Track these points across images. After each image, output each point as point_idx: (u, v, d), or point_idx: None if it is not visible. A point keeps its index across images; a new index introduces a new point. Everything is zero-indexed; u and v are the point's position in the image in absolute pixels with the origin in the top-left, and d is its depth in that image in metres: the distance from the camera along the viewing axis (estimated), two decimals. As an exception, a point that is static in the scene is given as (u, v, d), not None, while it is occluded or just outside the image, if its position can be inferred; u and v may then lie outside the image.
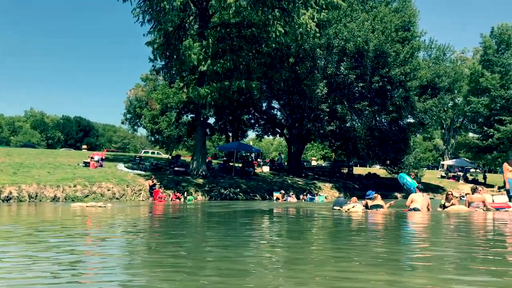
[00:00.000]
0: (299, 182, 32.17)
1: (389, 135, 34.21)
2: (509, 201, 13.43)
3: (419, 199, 12.06)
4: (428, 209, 12.17)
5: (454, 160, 52.59)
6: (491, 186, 39.88)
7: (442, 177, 47.87)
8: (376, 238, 6.48)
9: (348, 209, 11.62)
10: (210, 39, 24.44)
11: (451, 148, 59.27)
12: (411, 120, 37.69)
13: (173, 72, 29.86)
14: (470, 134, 55.16)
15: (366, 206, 12.53)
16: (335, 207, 12.70)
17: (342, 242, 5.88)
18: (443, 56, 37.91)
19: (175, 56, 26.15)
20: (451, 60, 38.53)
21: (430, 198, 25.36)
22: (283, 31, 23.35)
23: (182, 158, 33.76)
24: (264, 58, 27.39)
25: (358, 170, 47.03)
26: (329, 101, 31.98)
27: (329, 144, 37.97)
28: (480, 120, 45.50)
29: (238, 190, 26.26)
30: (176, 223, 9.47)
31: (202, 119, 26.77)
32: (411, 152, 34.74)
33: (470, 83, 44.44)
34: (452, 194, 13.85)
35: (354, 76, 29.90)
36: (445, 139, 62.31)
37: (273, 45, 25.79)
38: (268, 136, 47.42)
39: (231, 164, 31.37)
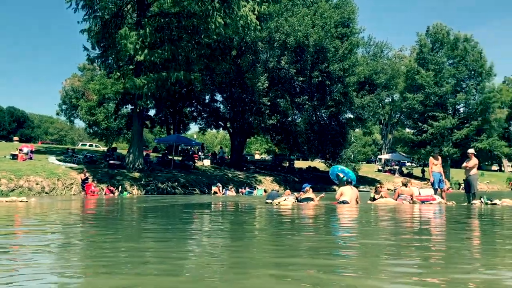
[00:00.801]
0: (240, 176, 32.04)
1: (328, 130, 34.78)
2: (435, 194, 13.89)
3: (348, 192, 12.18)
4: (357, 202, 12.32)
5: (390, 154, 54.56)
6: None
7: (379, 170, 49.50)
8: (302, 229, 6.36)
9: (279, 202, 11.53)
10: (148, 29, 23.63)
11: (389, 143, 61.46)
12: (350, 115, 38.56)
13: (110, 61, 28.71)
14: (407, 130, 57.40)
15: (298, 199, 12.51)
16: (267, 200, 12.59)
17: (272, 235, 5.69)
18: (380, 53, 39.02)
19: (111, 45, 25.15)
20: (388, 57, 39.80)
21: (366, 191, 26.16)
22: (223, 22, 23.02)
23: (119, 151, 32.67)
24: (204, 49, 26.88)
25: (299, 164, 47.58)
26: (270, 94, 32.01)
27: (270, 137, 38.10)
28: (415, 116, 47.33)
29: (176, 184, 25.73)
30: (108, 218, 8.95)
31: (138, 110, 25.91)
32: (349, 146, 35.51)
33: (406, 80, 46.10)
34: (381, 187, 14.15)
35: (295, 71, 30.09)
36: (383, 134, 64.55)
37: (214, 37, 25.37)
38: (211, 129, 46.93)
39: (170, 157, 30.69)
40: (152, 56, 23.73)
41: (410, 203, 12.25)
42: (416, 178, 45.57)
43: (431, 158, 14.81)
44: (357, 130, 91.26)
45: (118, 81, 32.00)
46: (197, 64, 28.15)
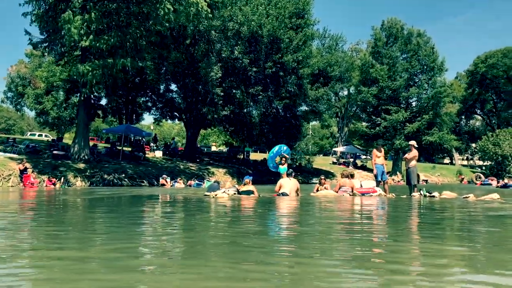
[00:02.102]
0: (192, 168, 31.42)
1: (282, 122, 34.61)
2: (377, 186, 13.84)
3: (287, 184, 11.90)
4: (298, 194, 12.06)
5: (345, 147, 55.17)
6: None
7: (334, 163, 49.94)
8: (239, 221, 5.99)
9: (216, 195, 11.12)
10: (94, 13, 22.57)
11: (345, 136, 62.17)
12: (306, 108, 38.55)
13: (55, 47, 27.37)
14: (364, 123, 58.28)
15: (238, 191, 12.14)
16: (206, 193, 12.16)
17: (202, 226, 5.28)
18: (335, 46, 39.15)
19: (55, 30, 23.95)
20: (343, 50, 40.02)
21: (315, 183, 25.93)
22: (172, 9, 22.32)
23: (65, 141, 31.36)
24: (154, 37, 26.00)
25: (255, 156, 47.31)
26: (224, 85, 31.47)
27: (223, 129, 37.59)
28: (369, 109, 47.93)
29: (124, 175, 24.86)
30: (42, 211, 8.26)
31: (83, 98, 24.84)
32: (303, 139, 35.49)
33: (361, 73, 46.55)
34: (324, 179, 13.97)
35: (248, 61, 29.65)
36: (339, 127, 65.24)
37: (166, 24, 24.60)
38: (166, 120, 45.89)
39: (118, 148, 29.70)
40: (98, 42, 22.74)
41: (350, 195, 12.11)
42: (370, 170, 46.21)
43: (374, 150, 14.72)
44: (315, 123, 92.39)
45: (64, 68, 30.68)
46: (147, 52, 27.27)
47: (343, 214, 7.84)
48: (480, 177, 44.28)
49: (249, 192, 11.81)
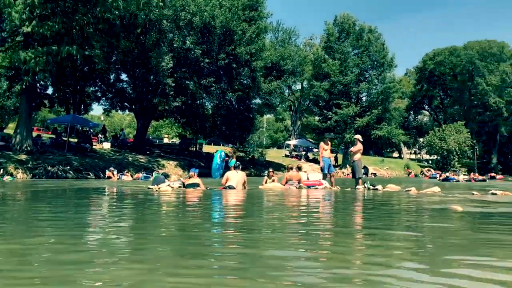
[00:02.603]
0: (141, 160, 30.75)
1: (235, 114, 34.49)
2: (324, 178, 13.98)
3: (234, 176, 11.78)
4: (244, 187, 11.98)
5: (298, 140, 55.76)
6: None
7: (286, 156, 50.37)
8: (180, 215, 5.80)
9: (159, 188, 10.86)
10: (37, -3, 21.52)
11: (298, 129, 62.84)
12: (259, 101, 38.59)
13: (-5, 32, 26.01)
14: (316, 117, 59.05)
15: (183, 185, 11.92)
16: (149, 186, 11.87)
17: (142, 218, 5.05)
18: (288, 39, 39.34)
19: (-5, 14, 22.74)
20: (296, 44, 40.28)
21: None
22: (120, -5, 21.63)
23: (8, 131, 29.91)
24: (102, 24, 25.12)
25: (209, 149, 46.98)
26: (175, 75, 30.93)
27: (174, 120, 37.00)
28: (321, 103, 48.59)
29: (69, 167, 23.95)
30: None
31: (25, 87, 23.71)
32: (256, 132, 35.52)
33: (314, 68, 47.07)
34: (273, 172, 13.97)
35: (201, 52, 29.26)
36: (292, 121, 65.87)
37: (115, 12, 23.84)
38: (116, 110, 44.66)
39: (64, 139, 28.63)
40: (42, 28, 21.71)
41: (297, 188, 12.15)
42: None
43: (321, 144, 14.82)
44: (269, 116, 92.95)
45: (5, 54, 29.16)
46: (95, 40, 26.32)
47: (288, 207, 7.82)
48: (429, 171, 45.97)
49: (194, 185, 11.61)
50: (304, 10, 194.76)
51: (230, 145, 37.69)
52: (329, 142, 15.37)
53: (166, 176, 12.86)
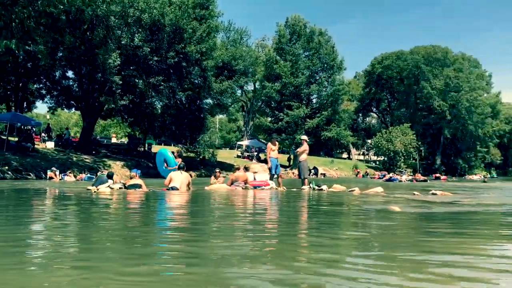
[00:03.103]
0: (87, 160, 29.67)
1: (185, 114, 33.99)
2: (271, 179, 13.93)
3: (177, 177, 11.46)
4: (189, 188, 11.71)
5: (250, 140, 55.72)
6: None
7: (238, 156, 50.21)
8: (119, 217, 5.48)
9: (97, 189, 10.41)
10: (-29, -13, 20.30)
11: (250, 130, 62.87)
12: (210, 101, 38.22)
13: None
14: (268, 118, 59.26)
15: (125, 186, 11.51)
16: (88, 187, 11.36)
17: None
18: (240, 39, 39.24)
19: None
20: (247, 44, 40.26)
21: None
22: (64, -11, 20.73)
23: None
24: (45, 19, 24.00)
25: (159, 148, 46.06)
26: (123, 73, 30.08)
27: (121, 119, 36.01)
28: (273, 104, 48.84)
29: (7, 167, 22.73)
30: None
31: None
32: (207, 132, 35.13)
33: (265, 69, 47.24)
34: (219, 172, 13.78)
35: (149, 49, 28.61)
36: (245, 121, 65.81)
37: (60, 6, 22.85)
38: (62, 109, 42.95)
39: (3, 137, 27.17)
40: (-22, 21, 20.53)
41: (243, 188, 12.01)
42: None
43: (269, 144, 14.78)
44: (222, 116, 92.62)
45: None
46: (37, 35, 25.12)
47: (230, 207, 7.67)
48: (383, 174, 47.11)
49: (136, 186, 11.22)
50: (258, 11, 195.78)
51: (179, 145, 37.05)
52: (277, 143, 15.36)
53: (111, 176, 12.28)
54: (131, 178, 11.76)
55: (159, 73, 29.97)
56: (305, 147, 14.25)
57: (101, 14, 28.35)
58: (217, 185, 12.32)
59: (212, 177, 14.05)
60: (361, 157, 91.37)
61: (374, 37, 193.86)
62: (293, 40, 47.44)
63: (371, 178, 42.82)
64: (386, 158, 62.11)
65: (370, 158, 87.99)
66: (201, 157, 37.26)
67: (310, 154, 52.45)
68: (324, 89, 48.41)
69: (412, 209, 6.86)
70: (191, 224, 5.08)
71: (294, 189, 12.88)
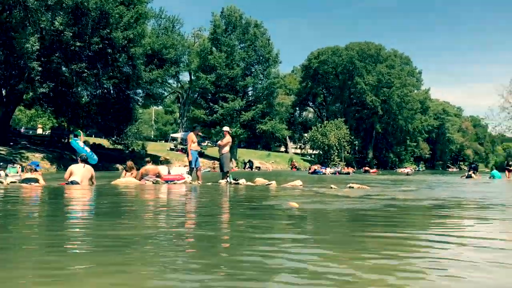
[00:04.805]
0: (2, 152, 27.43)
1: (112, 104, 32.35)
2: (189, 172, 13.17)
3: (78, 170, 10.40)
4: (93, 182, 10.68)
5: (184, 133, 54.43)
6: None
7: (171, 149, 48.90)
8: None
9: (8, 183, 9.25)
10: None
11: (185, 122, 61.49)
12: (140, 91, 36.63)
13: None
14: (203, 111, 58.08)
15: (20, 180, 10.32)
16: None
17: None
18: (172, 27, 37.83)
19: None
20: (179, 32, 38.85)
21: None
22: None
23: None
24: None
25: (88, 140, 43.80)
26: (43, 59, 27.99)
27: (40, 108, 33.71)
28: (208, 96, 47.88)
29: None
30: None
31: None
32: (135, 123, 33.65)
33: (200, 59, 46.15)
34: (131, 163, 12.81)
35: (71, 34, 26.76)
36: (180, 113, 64.33)
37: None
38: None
39: None
40: None
41: (153, 183, 11.15)
42: (208, 157, 46.19)
43: (191, 135, 13.79)
44: (159, 108, 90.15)
45: None
46: None
47: (139, 203, 6.93)
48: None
49: (31, 180, 10.06)
50: (192, 2, 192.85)
51: (109, 137, 35.22)
52: (200, 134, 14.59)
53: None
54: (28, 171, 10.56)
55: (83, 60, 28.18)
56: (227, 139, 13.59)
57: (19, -5, 26.17)
58: (125, 179, 11.36)
59: (123, 171, 13.02)
60: (298, 151, 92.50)
61: (313, 32, 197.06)
62: (229, 31, 46.61)
63: (307, 171, 43.17)
64: (321, 152, 63.07)
65: (307, 152, 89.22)
66: (129, 149, 35.74)
67: (247, 147, 52.38)
68: (260, 82, 48.04)
69: (311, 205, 6.38)
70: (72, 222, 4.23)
71: (209, 183, 12.19)
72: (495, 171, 25.03)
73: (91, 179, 10.59)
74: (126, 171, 12.53)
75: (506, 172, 25.92)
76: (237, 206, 6.82)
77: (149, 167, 11.71)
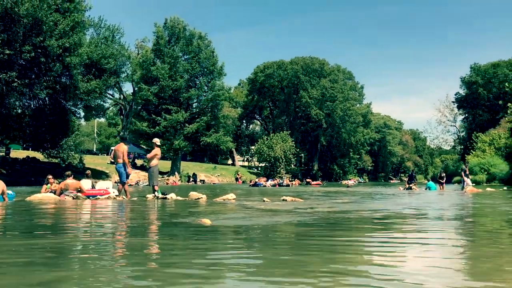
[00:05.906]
0: None
1: (47, 115, 30.85)
2: (123, 186, 12.51)
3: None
4: (4, 199, 9.86)
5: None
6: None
7: (112, 162, 47.24)
8: None
9: None
10: None
11: (129, 134, 59.82)
12: (78, 102, 35.13)
13: None
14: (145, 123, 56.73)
15: None
16: None
17: None
18: (112, 37, 36.73)
19: None
20: (120, 42, 37.72)
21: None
22: None
23: None
24: None
25: (20, 154, 41.56)
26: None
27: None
28: (151, 108, 46.86)
29: None
30: None
31: None
32: (72, 135, 32.20)
33: (142, 70, 45.17)
34: (52, 179, 12.03)
35: (0, 41, 25.30)
36: (123, 126, 62.59)
37: None
38: None
39: None
40: None
41: (74, 198, 10.45)
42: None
43: (121, 145, 13.11)
44: (102, 120, 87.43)
45: None
46: None
47: (54, 220, 6.29)
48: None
49: None
50: (138, 13, 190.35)
51: (41, 150, 33.42)
52: (126, 146, 13.91)
53: None
54: None
55: (13, 69, 26.68)
56: (156, 151, 13.06)
57: None
58: (41, 195, 10.59)
59: (44, 185, 12.18)
60: (246, 163, 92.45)
61: (259, 46, 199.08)
62: (172, 42, 45.95)
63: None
64: (267, 164, 63.18)
65: (254, 164, 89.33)
66: (66, 163, 34.11)
67: (193, 160, 51.46)
68: (204, 94, 47.57)
69: (227, 222, 6.03)
70: None
71: (135, 198, 11.61)
72: (431, 182, 26.00)
73: (2, 194, 9.77)
74: (47, 185, 11.73)
75: (438, 185, 27.00)
76: (144, 223, 6.33)
77: (69, 181, 11.00)
